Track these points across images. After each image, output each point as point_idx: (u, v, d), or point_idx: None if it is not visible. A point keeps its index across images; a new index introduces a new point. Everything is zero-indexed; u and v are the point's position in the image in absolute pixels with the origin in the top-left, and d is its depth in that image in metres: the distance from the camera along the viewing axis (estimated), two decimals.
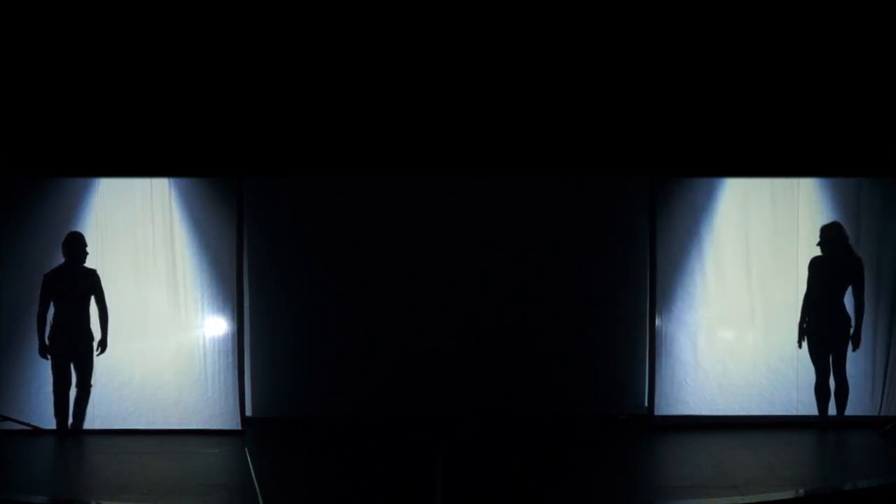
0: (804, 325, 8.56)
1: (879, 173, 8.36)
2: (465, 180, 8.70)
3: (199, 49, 8.12)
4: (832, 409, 8.59)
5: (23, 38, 8.10)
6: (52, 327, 8.50)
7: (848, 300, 8.58)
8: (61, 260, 8.56)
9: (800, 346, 8.58)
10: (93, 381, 8.54)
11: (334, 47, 8.15)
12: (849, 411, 8.58)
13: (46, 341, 8.46)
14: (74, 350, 8.52)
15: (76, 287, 8.54)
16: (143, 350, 8.64)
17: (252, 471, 7.13)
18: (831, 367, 8.55)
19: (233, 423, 8.49)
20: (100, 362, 8.57)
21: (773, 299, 8.69)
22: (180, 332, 8.68)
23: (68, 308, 8.51)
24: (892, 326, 8.66)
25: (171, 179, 8.69)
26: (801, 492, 6.80)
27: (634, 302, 8.79)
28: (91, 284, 8.56)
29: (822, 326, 8.56)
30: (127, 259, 8.72)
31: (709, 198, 8.75)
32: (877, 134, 8.21)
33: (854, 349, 8.54)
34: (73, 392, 8.52)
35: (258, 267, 8.84)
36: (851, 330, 8.52)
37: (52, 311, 8.52)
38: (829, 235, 8.55)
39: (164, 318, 8.69)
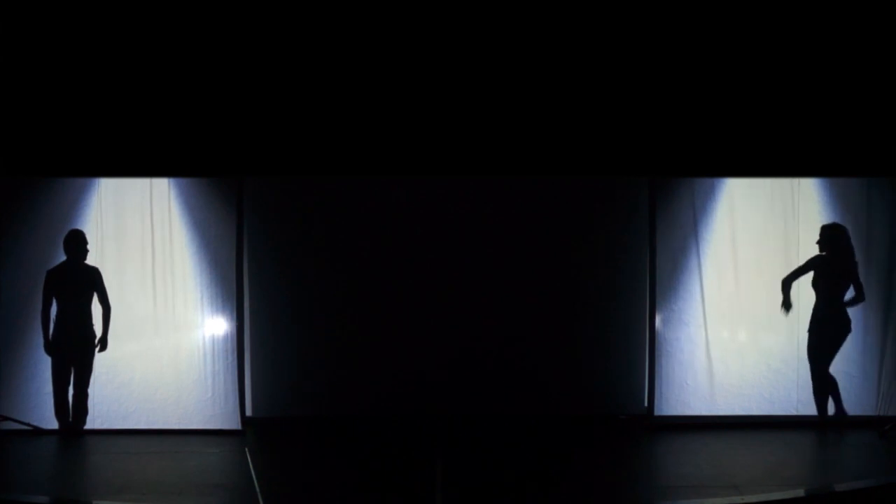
0: (789, 288, 8.52)
1: (879, 173, 8.36)
2: (465, 181, 8.71)
3: (198, 49, 8.12)
4: (831, 409, 8.61)
5: (23, 38, 8.10)
6: (55, 325, 8.49)
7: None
8: (61, 259, 8.56)
9: (784, 307, 8.52)
10: (91, 381, 8.52)
11: (334, 48, 8.15)
12: (848, 411, 8.57)
13: (50, 338, 8.45)
14: (76, 348, 8.50)
15: (78, 284, 8.53)
16: (143, 350, 8.64)
17: (252, 471, 7.13)
18: (826, 363, 8.54)
19: (233, 423, 8.49)
20: (100, 362, 8.57)
21: (772, 299, 8.68)
22: (180, 332, 8.68)
23: (70, 305, 8.50)
24: (891, 326, 8.67)
25: (171, 179, 8.69)
26: (801, 492, 6.80)
27: (634, 302, 8.80)
28: (93, 281, 8.55)
29: (821, 325, 8.56)
30: (127, 259, 8.72)
31: (709, 198, 8.76)
32: (877, 134, 8.21)
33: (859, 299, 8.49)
34: (70, 392, 8.50)
35: (258, 267, 8.84)
36: (848, 330, 8.51)
37: (54, 308, 8.51)
38: (829, 235, 8.56)
39: (164, 318, 8.69)
